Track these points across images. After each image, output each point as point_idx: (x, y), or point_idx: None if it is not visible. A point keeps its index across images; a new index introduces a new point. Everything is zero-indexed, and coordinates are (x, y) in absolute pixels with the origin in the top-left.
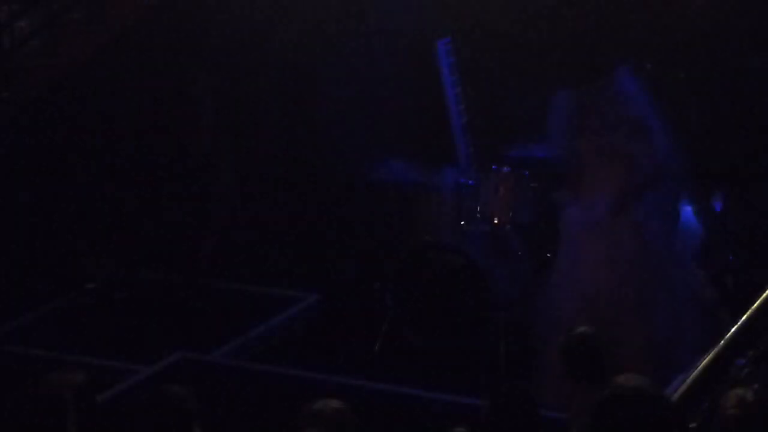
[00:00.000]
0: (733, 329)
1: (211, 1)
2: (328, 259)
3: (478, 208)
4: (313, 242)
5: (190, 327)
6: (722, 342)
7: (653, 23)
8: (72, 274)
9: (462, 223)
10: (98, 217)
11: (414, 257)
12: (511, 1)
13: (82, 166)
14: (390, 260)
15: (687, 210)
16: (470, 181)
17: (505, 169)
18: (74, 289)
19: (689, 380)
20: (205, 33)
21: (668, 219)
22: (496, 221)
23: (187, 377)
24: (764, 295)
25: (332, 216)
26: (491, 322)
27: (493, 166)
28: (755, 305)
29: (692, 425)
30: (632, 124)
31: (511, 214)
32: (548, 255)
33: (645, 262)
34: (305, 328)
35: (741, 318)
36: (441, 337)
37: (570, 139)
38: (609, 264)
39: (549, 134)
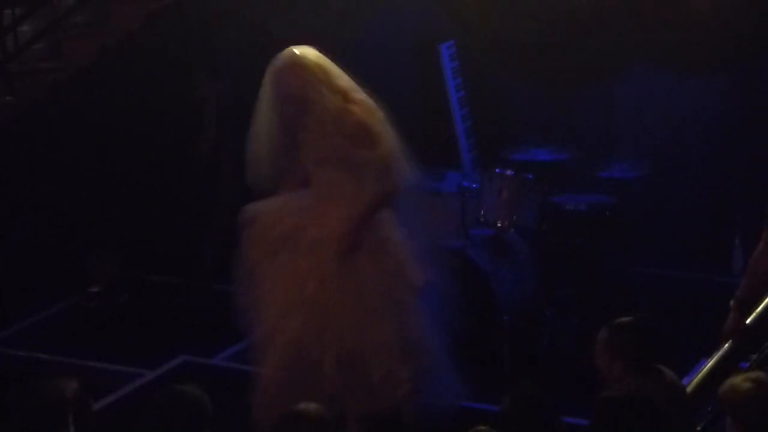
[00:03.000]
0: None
1: (215, 6)
2: None
3: (482, 212)
4: None
5: (194, 330)
6: (726, 345)
7: (655, 23)
8: (75, 277)
9: (465, 226)
10: (101, 220)
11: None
12: (514, 4)
13: (85, 170)
14: None
15: None
16: (473, 185)
17: (509, 172)
18: (77, 293)
19: (693, 383)
20: (208, 37)
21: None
22: (499, 225)
23: (190, 381)
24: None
25: None
26: (495, 325)
27: (497, 170)
28: (759, 309)
29: (698, 428)
30: (354, 129)
31: (514, 218)
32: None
33: (390, 279)
34: None
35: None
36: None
37: (283, 154)
38: (348, 284)
39: (256, 154)
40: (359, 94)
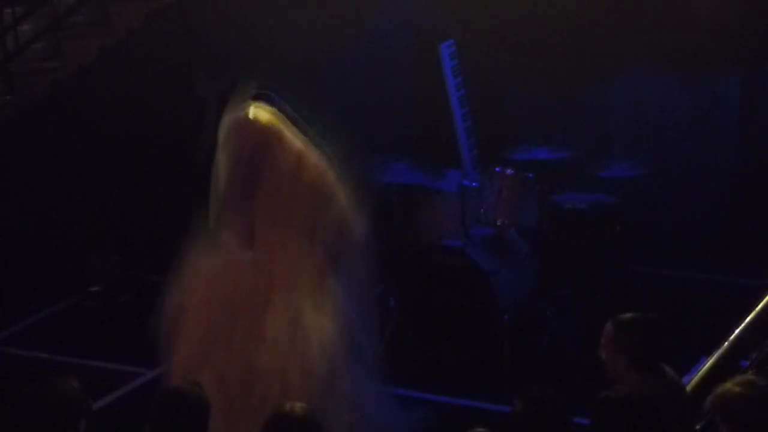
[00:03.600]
0: (737, 331)
1: (215, 5)
2: None
3: (482, 211)
4: None
5: None
6: (726, 344)
7: (655, 24)
8: (75, 277)
9: (465, 226)
10: (102, 219)
11: (418, 260)
12: (514, 3)
13: (86, 169)
14: (394, 263)
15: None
16: (474, 184)
17: (509, 171)
18: (78, 292)
19: (693, 382)
20: (208, 36)
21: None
22: (499, 223)
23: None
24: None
25: None
26: (495, 326)
27: (497, 169)
28: (758, 307)
29: (697, 427)
30: (313, 190)
31: (514, 217)
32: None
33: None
34: None
35: (745, 320)
36: (445, 341)
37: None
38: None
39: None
40: (313, 154)
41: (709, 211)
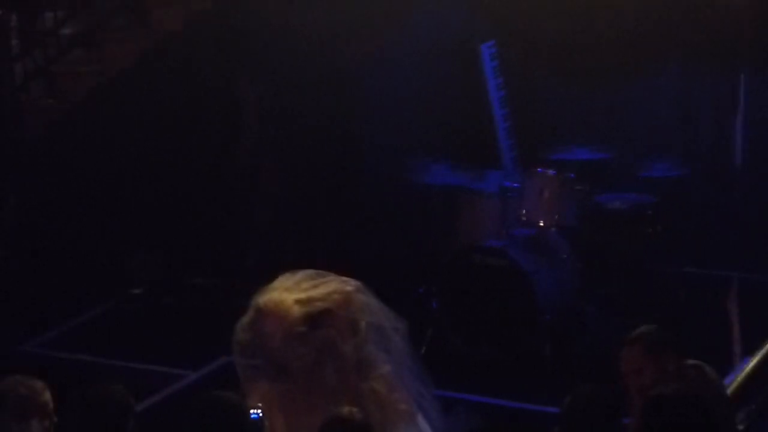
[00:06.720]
0: None
1: (254, 8)
2: (372, 263)
3: (523, 211)
4: (358, 246)
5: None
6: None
7: (698, 23)
8: (118, 279)
9: (506, 226)
10: (144, 222)
11: (459, 261)
12: (554, 3)
13: (128, 172)
14: (435, 264)
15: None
16: (515, 184)
17: (550, 171)
18: (120, 295)
19: (736, 383)
20: (248, 39)
21: None
22: (540, 224)
23: (232, 382)
24: None
25: (377, 220)
26: (536, 326)
27: (538, 169)
28: None
29: (740, 427)
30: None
31: (555, 217)
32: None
33: None
34: None
35: None
36: (486, 342)
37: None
38: None
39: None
40: (336, 306)
41: (753, 210)
